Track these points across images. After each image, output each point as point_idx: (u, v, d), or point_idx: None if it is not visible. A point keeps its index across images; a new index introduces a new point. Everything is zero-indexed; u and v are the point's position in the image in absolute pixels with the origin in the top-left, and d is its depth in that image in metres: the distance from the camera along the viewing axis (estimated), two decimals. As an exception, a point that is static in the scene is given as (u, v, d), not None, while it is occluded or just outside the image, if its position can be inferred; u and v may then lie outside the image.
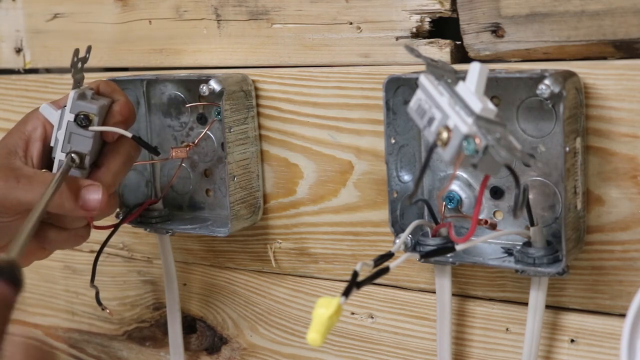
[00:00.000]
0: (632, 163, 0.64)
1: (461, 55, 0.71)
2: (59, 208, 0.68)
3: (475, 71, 0.58)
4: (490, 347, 0.73)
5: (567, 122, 0.61)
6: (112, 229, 0.79)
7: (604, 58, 0.65)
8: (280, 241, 0.83)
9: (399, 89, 0.69)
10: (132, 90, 0.83)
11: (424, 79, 0.60)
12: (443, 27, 0.72)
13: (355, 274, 0.58)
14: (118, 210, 0.82)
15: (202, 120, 0.82)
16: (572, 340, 0.69)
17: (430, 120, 0.58)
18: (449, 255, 0.67)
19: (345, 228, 0.79)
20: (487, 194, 0.70)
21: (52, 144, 0.71)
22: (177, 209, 0.85)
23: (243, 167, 0.79)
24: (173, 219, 0.84)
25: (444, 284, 0.71)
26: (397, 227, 0.70)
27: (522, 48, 0.67)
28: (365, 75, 0.75)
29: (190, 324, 0.91)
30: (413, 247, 0.69)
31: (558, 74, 0.61)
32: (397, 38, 0.73)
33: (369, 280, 0.60)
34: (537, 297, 0.66)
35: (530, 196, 0.66)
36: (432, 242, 0.69)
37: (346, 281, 0.58)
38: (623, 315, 0.62)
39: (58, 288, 1.02)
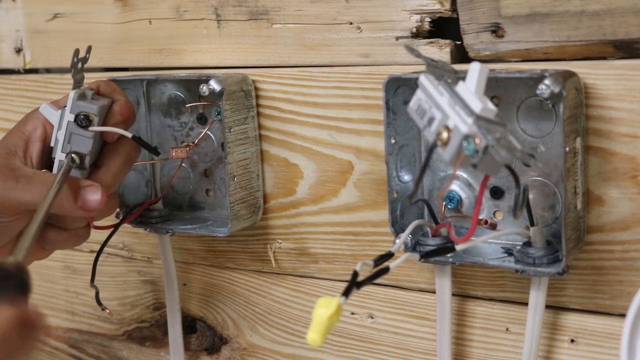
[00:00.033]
0: (632, 163, 0.64)
1: (461, 55, 0.71)
2: (59, 208, 0.68)
3: (475, 71, 0.58)
4: (490, 347, 0.73)
5: (567, 122, 0.61)
6: (112, 229, 0.79)
7: (604, 58, 0.65)
8: (280, 241, 0.83)
9: (399, 89, 0.69)
10: (132, 90, 0.83)
11: (424, 79, 0.60)
12: (443, 27, 0.72)
13: (355, 274, 0.59)
14: (118, 210, 0.82)
15: (202, 120, 0.82)
16: (572, 340, 0.69)
17: (430, 120, 0.58)
18: (449, 255, 0.67)
19: (345, 228, 0.79)
20: (487, 194, 0.70)
21: (52, 144, 0.71)
22: (177, 209, 0.85)
23: (243, 167, 0.79)
24: (173, 219, 0.84)
25: (444, 284, 0.71)
26: (397, 227, 0.70)
27: (522, 48, 0.67)
28: (365, 75, 0.75)
29: (190, 324, 0.91)
30: (413, 247, 0.69)
31: (558, 74, 0.61)
32: (397, 38, 0.73)
33: (369, 280, 0.60)
34: (537, 297, 0.66)
35: (530, 196, 0.66)
36: (432, 242, 0.69)
37: (346, 281, 0.58)
38: (623, 315, 0.62)
39: (58, 288, 1.02)
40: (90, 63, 0.74)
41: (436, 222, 0.70)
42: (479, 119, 0.56)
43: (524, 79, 0.65)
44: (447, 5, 0.70)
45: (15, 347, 0.51)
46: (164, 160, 0.82)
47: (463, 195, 0.71)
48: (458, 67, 0.65)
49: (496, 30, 0.68)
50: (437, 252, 0.67)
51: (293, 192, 0.81)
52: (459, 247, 0.64)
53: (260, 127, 0.81)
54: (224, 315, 0.89)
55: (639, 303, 0.59)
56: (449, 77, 0.60)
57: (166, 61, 0.87)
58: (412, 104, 0.60)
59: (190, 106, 0.82)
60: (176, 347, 0.87)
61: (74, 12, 0.93)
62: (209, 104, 0.80)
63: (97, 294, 0.81)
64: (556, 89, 0.60)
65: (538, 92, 0.61)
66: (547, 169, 0.66)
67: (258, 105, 0.81)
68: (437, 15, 0.71)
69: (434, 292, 0.72)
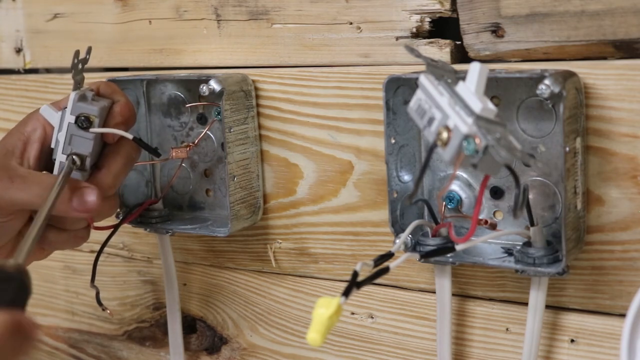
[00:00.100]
0: (632, 163, 0.64)
1: (461, 55, 0.71)
2: (53, 209, 0.68)
3: (475, 71, 0.58)
4: (490, 347, 0.73)
5: (567, 122, 0.61)
6: (112, 229, 0.79)
7: (604, 58, 0.65)
8: (280, 241, 0.83)
9: (399, 89, 0.69)
10: (132, 90, 0.83)
11: (424, 79, 0.60)
12: (443, 27, 0.72)
13: (355, 274, 0.59)
14: (118, 210, 0.82)
15: (202, 120, 0.82)
16: (572, 340, 0.69)
17: (430, 120, 0.58)
18: (449, 255, 0.67)
19: (345, 228, 0.79)
20: (487, 194, 0.70)
21: (52, 146, 0.71)
22: (177, 209, 0.85)
23: (243, 167, 0.79)
24: (173, 219, 0.84)
25: (444, 284, 0.71)
26: (397, 227, 0.70)
27: (522, 48, 0.67)
28: (365, 75, 0.75)
29: (190, 324, 0.91)
30: (413, 247, 0.69)
31: (558, 74, 0.61)
32: (397, 38, 0.73)
33: (369, 280, 0.60)
34: (537, 297, 0.66)
35: (530, 196, 0.66)
36: (432, 242, 0.69)
37: (346, 281, 0.58)
38: (623, 315, 0.62)
39: (58, 288, 1.02)
40: (90, 63, 0.74)
41: (436, 222, 0.70)
42: (479, 119, 0.56)
43: (524, 79, 0.65)
44: (447, 5, 0.70)
45: (6, 353, 0.51)
46: (164, 161, 0.82)
47: (463, 195, 0.71)
48: (458, 67, 0.65)
49: (496, 30, 0.68)
50: (437, 252, 0.67)
51: (293, 192, 0.81)
52: (459, 247, 0.64)
53: (260, 127, 0.81)
54: (224, 315, 0.89)
55: (639, 303, 0.59)
56: (449, 77, 0.60)
57: (166, 61, 0.87)
58: (412, 104, 0.60)
59: (190, 106, 0.82)
60: (176, 347, 0.87)
61: (74, 12, 0.93)
62: (209, 104, 0.80)
63: (97, 294, 0.81)
64: (556, 89, 0.60)
65: (538, 92, 0.61)
66: (547, 169, 0.66)
67: (258, 105, 0.81)
68: (437, 15, 0.71)
69: (434, 292, 0.72)
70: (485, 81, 0.58)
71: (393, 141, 0.70)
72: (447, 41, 0.71)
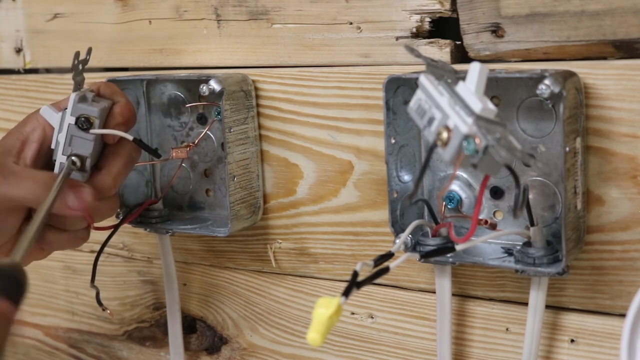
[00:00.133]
0: (632, 163, 0.64)
1: (461, 55, 0.71)
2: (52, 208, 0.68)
3: (475, 71, 0.58)
4: (490, 347, 0.73)
5: (567, 122, 0.61)
6: (112, 229, 0.79)
7: (604, 58, 0.65)
8: (280, 241, 0.83)
9: (399, 89, 0.69)
10: (132, 90, 0.83)
11: (424, 79, 0.60)
12: (443, 27, 0.72)
13: (355, 274, 0.59)
14: (118, 210, 0.82)
15: (202, 120, 0.82)
16: (572, 340, 0.69)
17: (430, 120, 0.58)
18: (449, 255, 0.67)
19: (345, 228, 0.79)
20: (487, 194, 0.70)
21: (52, 147, 0.71)
22: (177, 209, 0.86)
23: (243, 167, 0.79)
24: (173, 219, 0.84)
25: (444, 284, 0.71)
26: (397, 227, 0.70)
27: (522, 48, 0.67)
28: (365, 75, 0.75)
29: (190, 324, 0.91)
30: (413, 247, 0.69)
31: (558, 74, 0.61)
32: (397, 38, 0.73)
33: (369, 280, 0.60)
34: (537, 297, 0.66)
35: (530, 196, 0.67)
36: (432, 242, 0.69)
37: (346, 281, 0.58)
38: (623, 315, 0.62)
39: (58, 288, 1.02)
40: (91, 63, 0.74)
41: (436, 222, 0.70)
42: (479, 119, 0.56)
43: (524, 79, 0.65)
44: (447, 5, 0.70)
45: None
46: (164, 161, 0.82)
47: (463, 195, 0.71)
48: (458, 67, 0.65)
49: (496, 30, 0.68)
50: (437, 252, 0.67)
51: (293, 192, 0.81)
52: (459, 247, 0.64)
53: (260, 127, 0.81)
54: (224, 315, 0.89)
55: (639, 303, 0.59)
56: (449, 77, 0.60)
57: (166, 61, 0.87)
58: (412, 104, 0.60)
59: (190, 106, 0.82)
60: (176, 347, 0.87)
61: (74, 12, 0.93)
62: (209, 104, 0.80)
63: (97, 294, 0.81)
64: (556, 89, 0.60)
65: (538, 92, 0.61)
66: (547, 169, 0.66)
67: (258, 105, 0.81)
68: (437, 15, 0.71)
69: (434, 292, 0.72)
70: (485, 81, 0.58)
71: (393, 141, 0.70)
72: (447, 41, 0.71)
